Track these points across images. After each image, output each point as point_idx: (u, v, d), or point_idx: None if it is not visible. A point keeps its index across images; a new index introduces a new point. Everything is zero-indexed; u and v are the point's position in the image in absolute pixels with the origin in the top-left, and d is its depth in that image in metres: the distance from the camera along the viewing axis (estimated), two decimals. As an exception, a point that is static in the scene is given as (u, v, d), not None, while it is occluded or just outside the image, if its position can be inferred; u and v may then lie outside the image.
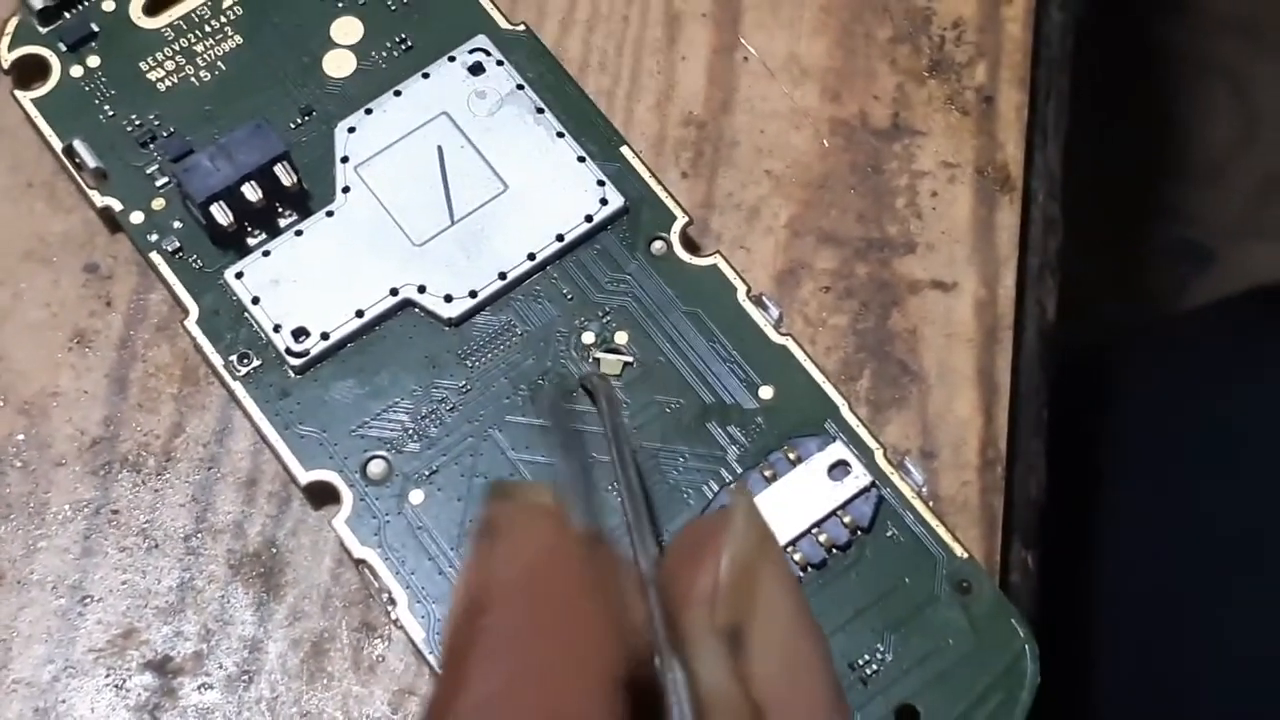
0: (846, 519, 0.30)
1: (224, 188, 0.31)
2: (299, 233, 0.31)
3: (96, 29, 0.33)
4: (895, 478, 0.30)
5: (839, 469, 0.30)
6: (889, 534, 0.30)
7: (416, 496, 0.30)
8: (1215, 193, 0.81)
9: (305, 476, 0.30)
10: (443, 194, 0.32)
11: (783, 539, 0.29)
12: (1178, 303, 0.79)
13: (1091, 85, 0.37)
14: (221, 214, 0.31)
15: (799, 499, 0.30)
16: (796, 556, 0.29)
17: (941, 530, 0.30)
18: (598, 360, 0.31)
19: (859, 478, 0.30)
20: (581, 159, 0.32)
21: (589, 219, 0.32)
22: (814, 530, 0.30)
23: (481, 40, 0.33)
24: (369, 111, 0.32)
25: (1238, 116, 0.82)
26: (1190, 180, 0.81)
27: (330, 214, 0.32)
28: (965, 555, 0.30)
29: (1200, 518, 0.45)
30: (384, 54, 0.33)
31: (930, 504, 0.30)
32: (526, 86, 0.33)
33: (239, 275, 0.31)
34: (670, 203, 0.32)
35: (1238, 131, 0.82)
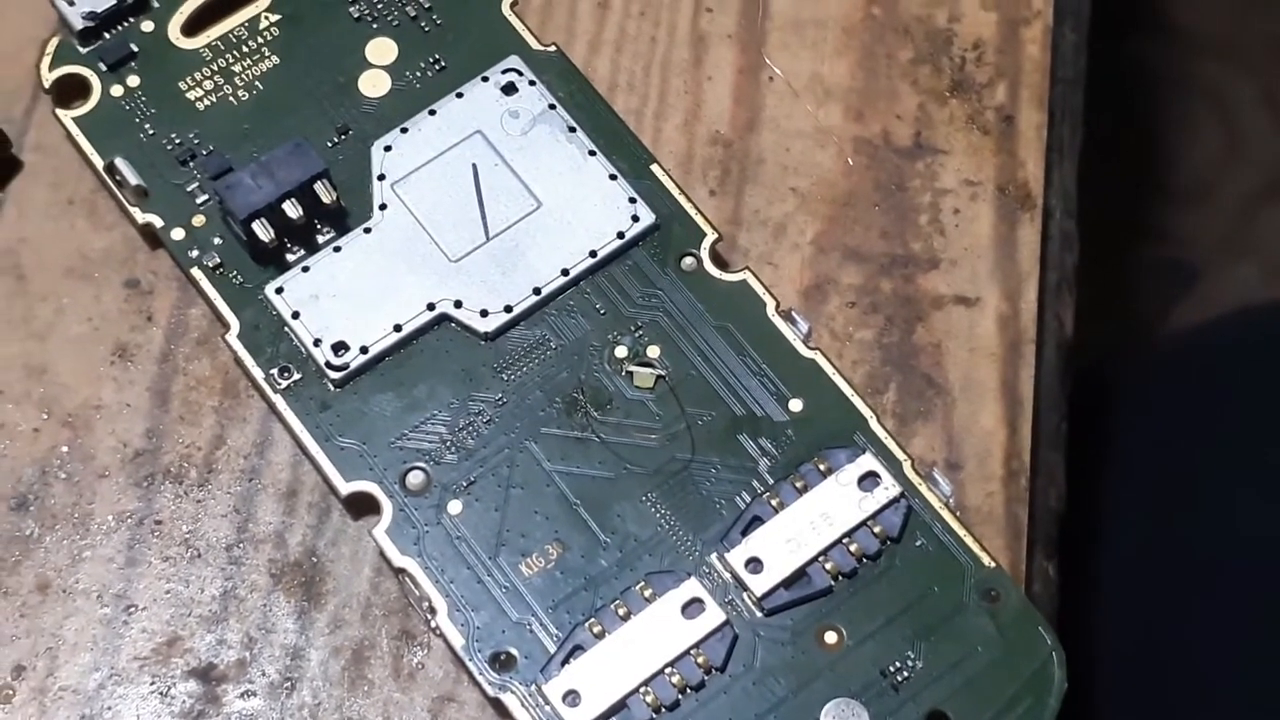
0: (876, 529, 0.30)
1: (265, 204, 0.31)
2: (337, 249, 0.32)
3: (136, 49, 0.34)
4: (923, 489, 0.31)
5: (869, 480, 0.31)
6: (918, 543, 0.30)
7: (455, 507, 0.30)
8: (1200, 213, 0.82)
9: (345, 487, 0.31)
10: (478, 211, 0.33)
11: (814, 549, 0.30)
12: (1164, 322, 0.80)
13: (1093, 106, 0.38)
14: (263, 230, 0.31)
15: (830, 509, 0.30)
16: (828, 566, 0.30)
17: (969, 540, 0.30)
18: (631, 373, 0.32)
19: (888, 488, 0.30)
20: (613, 177, 0.33)
21: (621, 235, 0.32)
22: (845, 540, 0.30)
23: (514, 61, 0.34)
24: (404, 130, 0.33)
25: (1221, 137, 0.83)
26: (1175, 200, 0.82)
27: (368, 230, 0.32)
28: (992, 564, 0.30)
29: (1205, 533, 0.45)
30: (418, 74, 0.34)
31: (957, 514, 0.31)
32: (558, 106, 0.33)
33: (279, 290, 0.32)
34: (699, 219, 0.33)
35: (1221, 151, 0.82)
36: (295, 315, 0.31)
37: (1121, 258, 0.79)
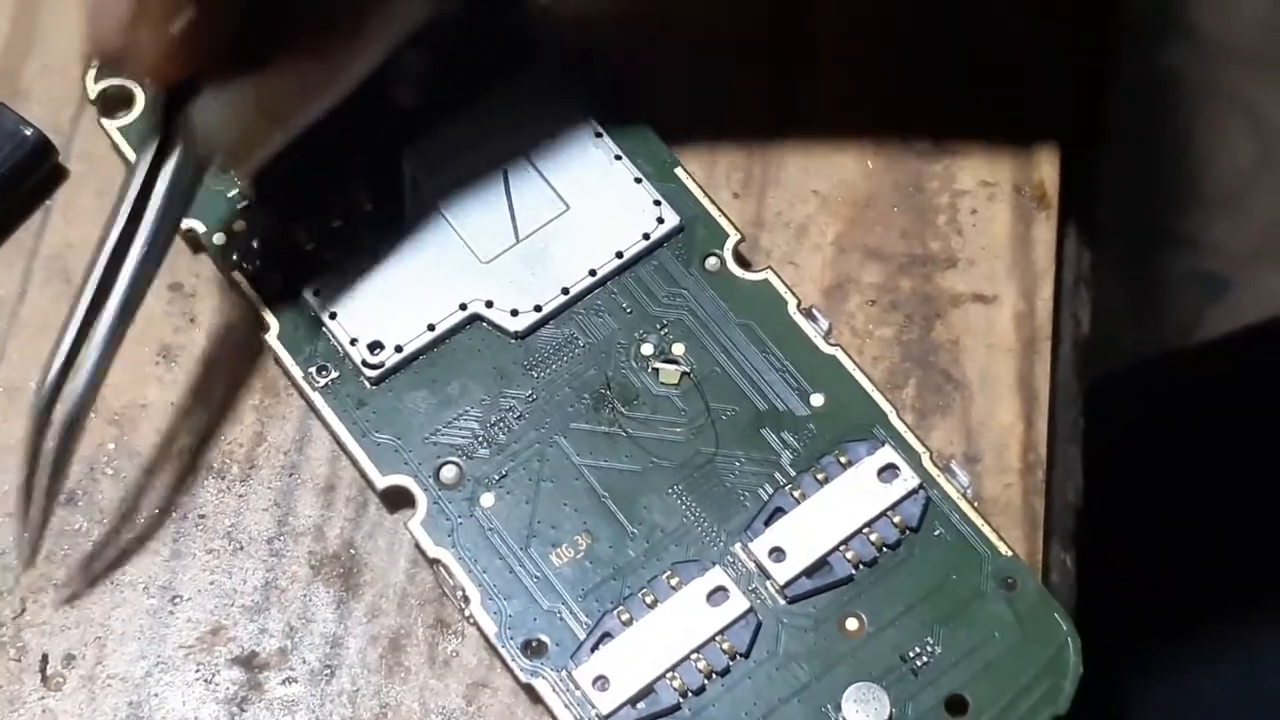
0: (896, 519, 0.31)
1: (303, 210, 0.32)
2: (373, 251, 0.33)
3: (178, 61, 0.35)
4: (941, 480, 0.31)
5: (888, 472, 0.31)
6: (936, 533, 0.31)
7: (487, 500, 0.31)
8: (1231, 222, 0.82)
9: (382, 481, 0.32)
10: (508, 214, 0.34)
11: (835, 538, 0.31)
12: (1194, 331, 0.80)
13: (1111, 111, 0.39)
14: (301, 234, 0.33)
15: (850, 500, 0.31)
16: (849, 555, 0.31)
17: (986, 530, 0.31)
18: (656, 370, 0.33)
19: (907, 480, 0.31)
20: (638, 180, 0.34)
21: (646, 237, 0.33)
22: (865, 530, 0.31)
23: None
24: (437, 137, 0.34)
25: (1252, 145, 0.83)
26: (1206, 209, 0.83)
27: (401, 234, 0.33)
28: (1009, 553, 0.31)
29: (1225, 533, 0.46)
30: (450, 83, 0.35)
31: (975, 505, 0.31)
32: (586, 112, 0.35)
33: (316, 292, 0.33)
34: (723, 221, 0.34)
35: (1253, 160, 0.83)
36: (332, 316, 0.33)
37: (1152, 264, 0.79)
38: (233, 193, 0.34)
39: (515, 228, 0.33)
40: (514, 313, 0.33)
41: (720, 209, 0.34)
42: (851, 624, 0.31)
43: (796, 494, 0.31)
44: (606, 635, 0.30)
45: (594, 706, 0.30)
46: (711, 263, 0.33)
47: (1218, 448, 0.51)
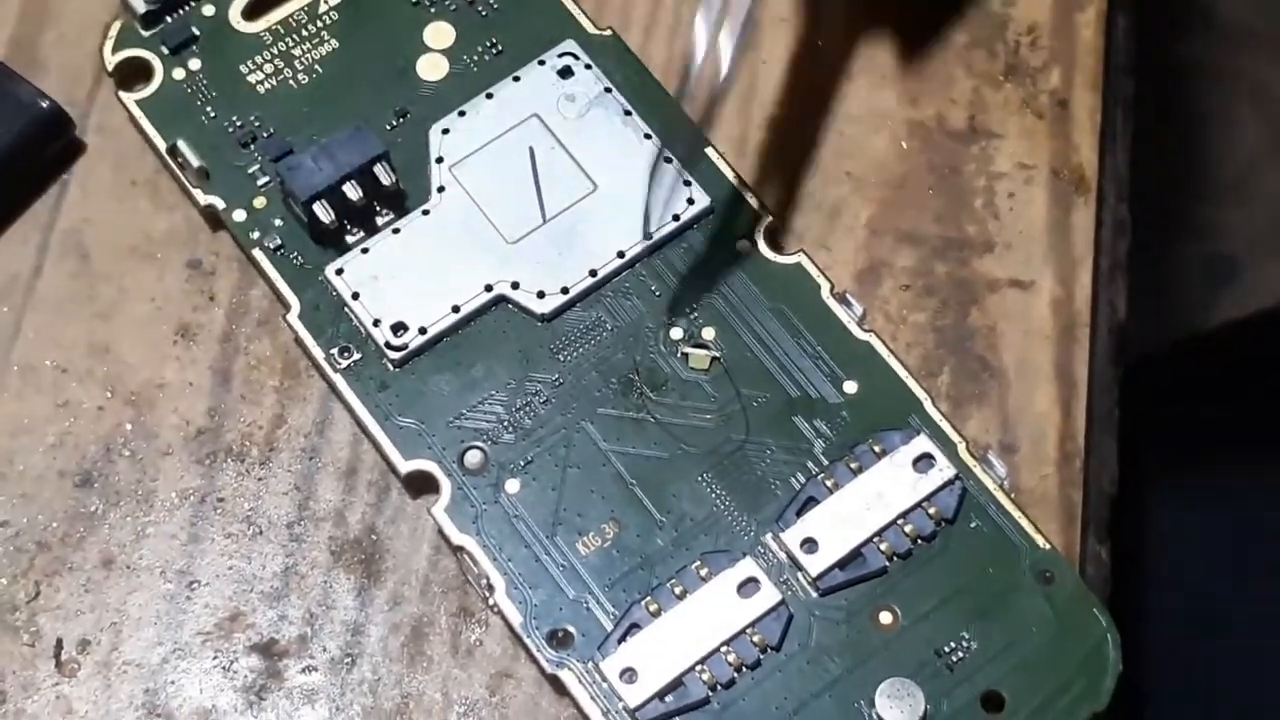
0: (931, 510, 0.30)
1: (326, 186, 0.32)
2: (396, 231, 0.32)
3: (197, 33, 0.34)
4: (978, 470, 0.31)
5: (923, 462, 0.31)
6: (973, 525, 0.31)
7: (512, 486, 0.31)
8: (1242, 206, 0.82)
9: (405, 466, 0.31)
10: (534, 193, 0.33)
11: (869, 529, 0.30)
12: (1207, 315, 0.79)
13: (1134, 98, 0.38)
14: (324, 212, 0.32)
15: (885, 491, 0.30)
16: (883, 546, 0.30)
17: (1024, 521, 0.30)
18: (686, 355, 0.32)
19: (943, 470, 0.31)
20: (668, 159, 0.33)
21: (676, 218, 0.33)
22: (900, 521, 0.30)
23: (570, 45, 0.34)
24: (462, 114, 0.33)
25: (1263, 129, 0.82)
26: (1218, 195, 0.82)
27: (426, 213, 0.33)
28: (1047, 546, 0.30)
29: (1254, 524, 0.45)
30: (475, 58, 0.34)
31: (1012, 496, 0.31)
32: (614, 89, 0.34)
33: (339, 271, 0.32)
34: (754, 202, 0.33)
35: (1263, 144, 0.82)
36: (355, 296, 0.32)
37: (1165, 250, 0.79)
38: (253, 168, 0.33)
39: (542, 208, 0.33)
40: (540, 295, 0.32)
41: (752, 190, 0.33)
42: (885, 617, 0.30)
43: (829, 483, 0.31)
44: (634, 626, 0.30)
45: (621, 699, 0.29)
46: (742, 245, 0.33)
47: (1223, 437, 0.50)
